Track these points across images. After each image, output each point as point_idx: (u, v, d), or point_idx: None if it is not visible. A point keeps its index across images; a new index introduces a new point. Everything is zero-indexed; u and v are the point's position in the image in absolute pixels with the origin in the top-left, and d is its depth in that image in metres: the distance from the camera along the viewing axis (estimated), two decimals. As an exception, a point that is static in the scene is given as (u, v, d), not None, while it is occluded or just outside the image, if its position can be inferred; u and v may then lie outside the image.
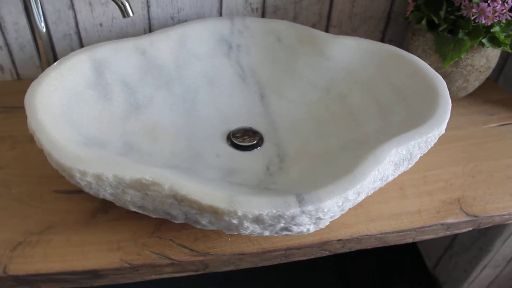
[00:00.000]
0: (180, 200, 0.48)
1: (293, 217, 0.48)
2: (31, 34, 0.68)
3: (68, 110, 0.61)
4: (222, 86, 0.73)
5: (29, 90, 0.59)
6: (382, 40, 0.89)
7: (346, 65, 0.72)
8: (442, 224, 0.64)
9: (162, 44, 0.71)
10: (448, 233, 0.66)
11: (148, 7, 0.76)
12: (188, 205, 0.48)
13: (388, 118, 0.65)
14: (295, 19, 0.82)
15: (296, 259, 0.61)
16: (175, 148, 0.65)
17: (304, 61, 0.73)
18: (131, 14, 0.60)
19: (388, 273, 1.17)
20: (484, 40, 0.69)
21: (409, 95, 0.66)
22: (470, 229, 0.66)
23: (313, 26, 0.84)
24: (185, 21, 0.79)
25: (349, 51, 0.72)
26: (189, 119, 0.69)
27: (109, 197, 0.52)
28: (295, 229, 0.50)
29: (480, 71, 0.74)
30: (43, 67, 0.71)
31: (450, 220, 0.63)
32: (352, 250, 0.63)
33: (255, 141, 0.67)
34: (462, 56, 0.69)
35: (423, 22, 0.71)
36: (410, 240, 0.65)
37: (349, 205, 0.51)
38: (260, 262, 0.60)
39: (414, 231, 0.63)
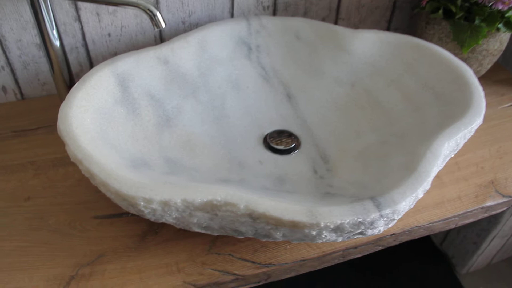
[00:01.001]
0: (256, 217, 0.47)
1: (372, 222, 0.47)
2: (44, 49, 0.63)
3: (103, 131, 0.57)
4: (248, 89, 0.71)
5: (60, 114, 0.55)
6: (388, 29, 0.89)
7: (368, 59, 0.72)
8: (482, 208, 0.66)
9: (183, 51, 0.68)
10: (486, 215, 0.68)
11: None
12: (264, 221, 0.47)
13: (420, 110, 0.66)
14: (305, 14, 0.81)
15: (352, 257, 0.62)
16: (216, 159, 0.63)
17: (325, 57, 0.73)
18: (163, 24, 0.57)
19: (396, 252, 1.20)
20: (500, 25, 0.71)
21: (436, 85, 0.67)
22: (505, 208, 0.69)
23: (323, 20, 0.83)
24: (197, 24, 0.76)
25: (370, 45, 0.72)
26: (222, 127, 0.67)
27: (171, 221, 0.50)
28: (369, 232, 0.50)
29: (493, 55, 0.76)
30: (58, 84, 0.67)
31: (489, 203, 0.65)
32: (402, 241, 0.64)
33: (293, 144, 0.66)
34: (480, 42, 0.71)
35: (440, 11, 0.72)
36: (453, 226, 0.67)
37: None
38: (320, 265, 0.60)
39: (458, 217, 0.65)
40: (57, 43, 0.63)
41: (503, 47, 0.76)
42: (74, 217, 0.60)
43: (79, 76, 0.75)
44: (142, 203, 0.47)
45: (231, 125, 0.68)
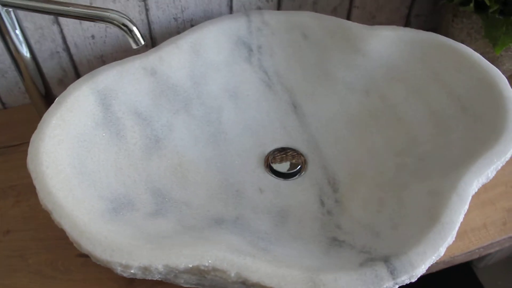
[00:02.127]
0: (250, 286, 0.41)
1: (384, 290, 0.41)
2: (12, 61, 0.56)
3: (81, 164, 0.51)
4: (248, 98, 0.63)
5: (30, 149, 0.48)
6: (408, 16, 0.79)
7: (385, 61, 0.63)
8: (510, 237, 0.58)
9: (173, 58, 0.60)
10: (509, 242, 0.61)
11: (147, 10, 0.64)
12: (259, 288, 0.41)
13: (443, 125, 0.58)
14: (314, 4, 0.71)
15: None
16: (210, 187, 0.56)
17: (336, 59, 0.64)
18: (142, 41, 0.49)
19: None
20: (542, 21, 0.61)
21: (463, 94, 0.58)
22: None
23: (335, 9, 0.73)
24: (191, 20, 0.67)
25: (388, 44, 0.62)
26: (218, 146, 0.60)
27: (158, 278, 0.44)
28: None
29: (531, 52, 0.66)
30: (33, 98, 0.60)
31: (519, 230, 0.58)
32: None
33: (299, 166, 0.59)
34: (517, 41, 0.61)
35: (471, 4, 0.62)
36: (476, 257, 0.60)
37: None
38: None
39: (482, 248, 0.58)
40: (25, 51, 0.56)
41: (542, 42, 0.66)
42: (56, 255, 0.54)
43: (63, 82, 0.68)
44: (119, 268, 0.41)
45: (228, 143, 0.60)
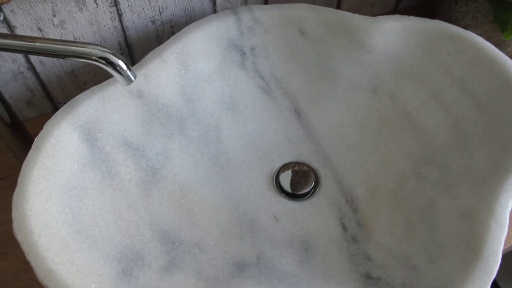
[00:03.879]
0: None
1: None
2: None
3: (75, 219, 0.44)
4: (247, 109, 0.57)
5: (15, 214, 0.42)
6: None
7: (392, 56, 0.57)
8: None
9: (160, 75, 0.52)
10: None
11: (120, 15, 0.55)
12: None
13: (459, 124, 0.54)
14: (306, -10, 0.64)
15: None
16: (221, 219, 0.51)
17: (339, 57, 0.58)
18: (132, 77, 0.41)
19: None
20: (554, 2, 0.56)
21: (478, 90, 0.54)
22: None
23: (327, -6, 0.66)
24: (170, 21, 0.59)
25: (393, 37, 0.57)
26: (221, 168, 0.54)
27: None
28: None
29: (538, 31, 0.62)
30: (1, 133, 0.52)
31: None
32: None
33: (312, 183, 0.54)
34: (529, 25, 0.57)
35: (480, -14, 0.57)
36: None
37: None
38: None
39: (509, 248, 0.56)
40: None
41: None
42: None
43: (31, 103, 0.59)
44: None
45: (232, 164, 0.55)
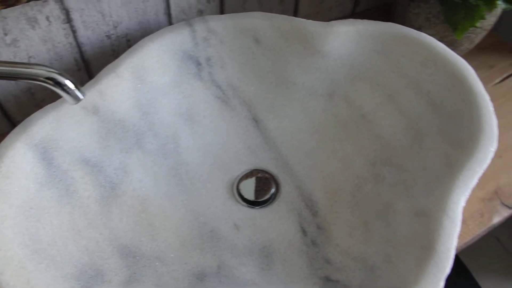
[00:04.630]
0: None
1: None
2: None
3: (32, 240, 0.44)
4: (204, 120, 0.57)
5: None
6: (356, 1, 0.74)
7: (346, 60, 0.58)
8: (487, 228, 0.58)
9: (115, 90, 0.52)
10: (488, 231, 0.61)
11: (74, 32, 0.55)
12: None
13: (415, 125, 0.55)
14: (260, -2, 0.65)
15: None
16: (181, 231, 0.51)
17: (294, 63, 0.58)
18: (80, 95, 0.42)
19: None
20: (499, 2, 0.58)
21: (432, 90, 0.55)
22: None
23: (281, 0, 0.67)
24: (126, 35, 0.59)
25: (347, 41, 0.58)
26: (181, 180, 0.54)
27: None
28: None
29: (486, 30, 0.64)
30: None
31: (496, 220, 0.58)
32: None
33: (272, 189, 0.55)
34: (477, 25, 0.58)
35: (429, -11, 0.58)
36: (456, 253, 0.59)
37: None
38: None
39: (464, 244, 0.57)
40: None
41: (496, 18, 0.64)
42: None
43: (-14, 125, 0.59)
44: None
45: (191, 175, 0.55)
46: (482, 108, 0.52)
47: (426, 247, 0.43)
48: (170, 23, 0.61)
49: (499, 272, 1.11)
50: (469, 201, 0.59)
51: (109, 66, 0.53)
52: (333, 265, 0.47)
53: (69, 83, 0.41)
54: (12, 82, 0.57)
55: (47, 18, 0.53)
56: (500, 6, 0.58)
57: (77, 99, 0.41)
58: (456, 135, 0.52)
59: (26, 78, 0.40)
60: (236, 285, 0.45)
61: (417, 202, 0.48)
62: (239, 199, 0.54)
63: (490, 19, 0.62)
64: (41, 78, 0.40)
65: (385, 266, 0.45)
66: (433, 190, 0.48)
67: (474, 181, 0.47)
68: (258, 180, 0.56)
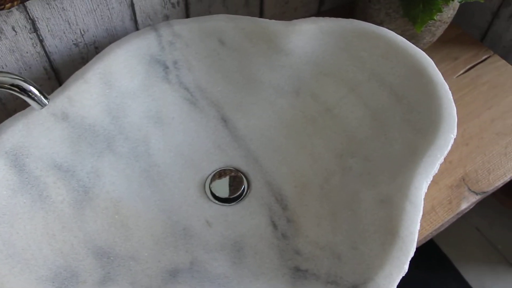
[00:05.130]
0: None
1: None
2: None
3: (6, 245, 0.45)
4: (174, 122, 0.59)
5: None
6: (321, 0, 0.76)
7: (310, 57, 0.60)
8: (456, 214, 0.60)
9: (84, 96, 0.53)
10: (458, 217, 0.63)
11: (41, 41, 0.56)
12: None
13: (379, 116, 0.57)
14: (225, 1, 0.66)
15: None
16: (155, 231, 0.52)
17: (259, 63, 0.60)
18: (45, 101, 0.43)
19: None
20: (455, -5, 0.60)
21: (394, 82, 0.57)
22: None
23: (246, 2, 0.68)
24: (94, 43, 0.60)
25: (310, 39, 0.59)
26: (153, 181, 0.56)
27: None
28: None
29: (446, 22, 0.66)
30: None
31: (463, 206, 0.60)
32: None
33: (242, 186, 0.56)
34: (435, 18, 0.60)
35: (386, -15, 0.60)
36: (427, 240, 0.61)
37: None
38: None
39: (434, 231, 0.59)
40: None
41: (456, 11, 0.66)
42: None
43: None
44: None
45: (163, 176, 0.56)
46: (442, 97, 0.53)
47: (390, 233, 0.45)
48: (136, 28, 0.63)
49: (481, 261, 1.13)
50: (437, 189, 0.61)
51: (77, 72, 0.54)
52: (303, 255, 0.49)
53: (33, 89, 0.42)
54: (-17, 93, 0.57)
55: (13, 28, 0.54)
56: (458, 0, 0.60)
57: (43, 105, 0.43)
58: (418, 124, 0.53)
59: (-7, 86, 0.41)
60: (208, 279, 0.47)
61: (382, 190, 0.49)
62: (211, 197, 0.56)
63: (448, 12, 0.64)
64: (6, 85, 0.41)
65: (351, 253, 0.46)
66: (396, 178, 0.50)
67: (435, 167, 0.49)
68: (229, 178, 0.57)
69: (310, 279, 0.45)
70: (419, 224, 0.45)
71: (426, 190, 0.48)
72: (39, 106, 0.42)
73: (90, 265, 0.47)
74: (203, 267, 0.48)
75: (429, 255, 1.11)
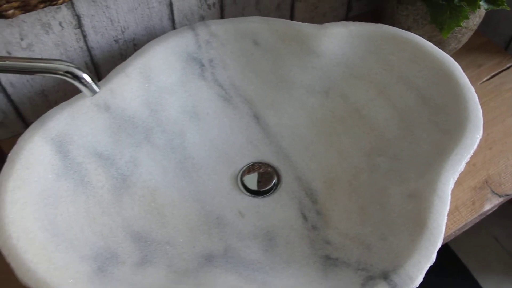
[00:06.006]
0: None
1: (389, 307, 0.42)
2: None
3: (51, 225, 0.47)
4: (208, 117, 0.61)
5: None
6: (349, 1, 0.78)
7: (341, 59, 0.62)
8: (480, 215, 0.61)
9: (125, 89, 0.56)
10: (481, 218, 0.64)
11: (84, 36, 0.59)
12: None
13: (406, 117, 0.59)
14: (258, 4, 0.69)
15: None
16: (189, 219, 0.54)
17: (291, 63, 0.62)
18: (96, 88, 0.45)
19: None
20: (481, 3, 0.62)
21: (421, 85, 0.59)
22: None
23: (278, 6, 0.71)
24: (133, 40, 0.63)
25: (341, 42, 0.62)
26: (188, 172, 0.58)
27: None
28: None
29: (472, 30, 0.68)
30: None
31: (487, 207, 0.61)
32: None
33: (273, 180, 0.58)
34: (461, 24, 0.62)
35: (415, -9, 0.62)
36: (451, 239, 0.63)
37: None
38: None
39: (458, 230, 0.60)
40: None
41: (481, 19, 0.68)
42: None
43: (4, 124, 0.62)
44: None
45: (198, 168, 0.58)
46: (469, 99, 0.55)
47: (419, 225, 0.46)
48: (173, 28, 0.66)
49: (499, 271, 1.14)
50: (461, 190, 0.62)
51: (119, 66, 0.57)
52: (333, 245, 0.51)
53: (86, 77, 0.44)
54: (27, 84, 0.60)
55: (60, 23, 0.57)
56: (483, 6, 0.62)
57: (94, 92, 0.45)
58: (444, 124, 0.55)
59: (47, 72, 0.43)
60: (242, 264, 0.48)
61: (409, 186, 0.51)
62: (243, 189, 0.58)
63: (474, 19, 0.66)
64: (61, 72, 0.43)
65: (380, 244, 0.48)
66: (424, 175, 0.51)
67: (462, 165, 0.50)
68: (261, 172, 0.59)
69: (340, 267, 0.47)
70: (446, 217, 0.47)
71: (452, 186, 0.50)
72: (90, 93, 0.45)
73: (129, 248, 0.50)
74: (237, 254, 0.50)
75: (447, 264, 1.11)
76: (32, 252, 0.43)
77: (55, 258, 0.44)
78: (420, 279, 0.43)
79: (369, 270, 0.45)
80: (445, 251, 1.13)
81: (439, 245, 0.45)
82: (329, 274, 0.47)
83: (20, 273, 0.42)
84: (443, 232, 0.46)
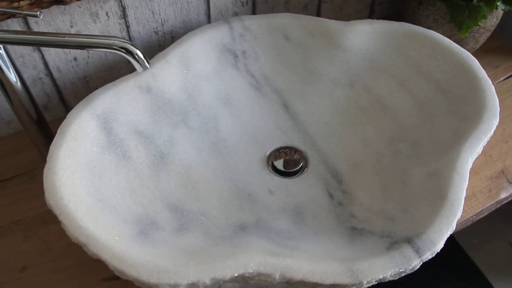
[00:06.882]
0: (293, 283, 0.43)
1: (413, 268, 0.45)
2: (3, 92, 0.55)
3: (97, 192, 0.51)
4: (241, 104, 0.65)
5: (46, 185, 0.48)
6: (372, 4, 0.83)
7: (365, 54, 0.66)
8: (496, 202, 0.64)
9: (165, 74, 0.60)
10: (498, 206, 0.67)
11: (128, 26, 0.64)
12: (302, 285, 0.43)
13: (426, 108, 0.62)
14: (286, 3, 0.74)
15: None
16: (222, 194, 0.58)
17: (319, 57, 0.67)
18: (147, 64, 0.50)
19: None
20: (499, 3, 0.66)
21: (441, 78, 0.63)
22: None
23: (305, 6, 0.76)
24: (171, 32, 0.68)
25: (365, 38, 0.66)
26: (220, 153, 0.62)
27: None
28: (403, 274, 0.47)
29: (490, 30, 0.72)
30: (25, 124, 0.58)
31: (503, 195, 0.64)
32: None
33: (301, 163, 0.61)
34: (480, 24, 0.66)
35: (436, -8, 0.66)
36: (469, 224, 0.65)
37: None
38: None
39: (474, 215, 0.63)
40: (15, 80, 0.54)
41: (499, 20, 0.72)
42: (81, 283, 0.54)
43: (47, 108, 0.67)
44: (167, 288, 0.43)
45: (230, 150, 0.62)
46: (486, 90, 0.58)
47: (440, 198, 0.49)
48: (209, 22, 0.70)
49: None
50: (478, 179, 0.65)
51: (160, 54, 0.61)
52: (358, 218, 0.54)
53: (139, 53, 0.49)
54: (71, 70, 0.65)
55: (107, 13, 0.62)
56: (500, 6, 0.66)
57: (145, 67, 0.49)
58: (463, 113, 0.59)
59: (104, 47, 0.47)
60: (274, 232, 0.52)
61: (430, 166, 0.54)
62: (272, 171, 0.61)
63: (491, 20, 0.70)
64: (116, 47, 0.47)
65: (403, 216, 0.51)
66: (443, 156, 0.54)
67: (480, 147, 0.54)
68: (289, 155, 0.62)
69: (366, 235, 0.50)
70: (465, 192, 0.50)
71: (471, 166, 0.53)
72: (142, 69, 0.49)
73: (167, 217, 0.53)
74: (268, 225, 0.54)
75: (463, 269, 1.13)
76: (81, 213, 0.47)
77: (101, 219, 0.47)
78: (441, 244, 0.45)
79: (393, 237, 0.48)
80: (461, 258, 1.14)
81: (458, 216, 0.48)
82: (355, 241, 0.50)
83: (71, 230, 0.45)
84: (462, 204, 0.48)
